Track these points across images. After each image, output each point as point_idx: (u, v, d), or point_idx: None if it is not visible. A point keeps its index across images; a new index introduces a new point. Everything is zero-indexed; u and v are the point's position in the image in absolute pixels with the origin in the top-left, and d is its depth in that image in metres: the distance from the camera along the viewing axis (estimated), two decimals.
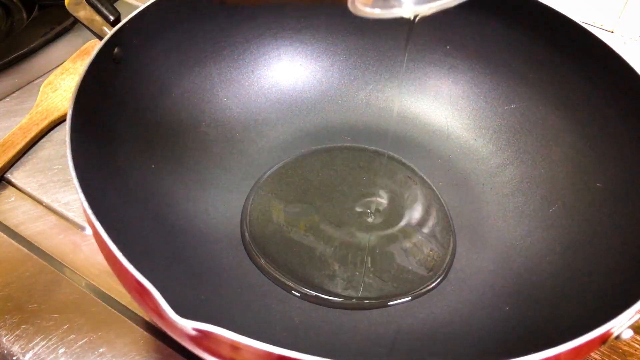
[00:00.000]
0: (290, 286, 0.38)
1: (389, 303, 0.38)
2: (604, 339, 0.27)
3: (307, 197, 0.44)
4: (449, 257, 0.41)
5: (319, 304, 0.38)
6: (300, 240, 0.41)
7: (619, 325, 0.26)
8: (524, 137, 0.45)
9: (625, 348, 0.40)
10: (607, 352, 0.39)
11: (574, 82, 0.42)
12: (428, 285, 0.39)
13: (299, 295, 0.38)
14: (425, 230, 0.42)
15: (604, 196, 0.39)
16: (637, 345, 0.40)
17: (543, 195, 0.42)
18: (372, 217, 0.43)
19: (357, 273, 0.39)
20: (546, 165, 0.43)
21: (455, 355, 0.35)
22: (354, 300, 0.38)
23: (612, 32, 0.50)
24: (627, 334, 0.27)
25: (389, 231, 0.42)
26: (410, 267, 0.40)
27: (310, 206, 0.43)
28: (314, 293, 0.38)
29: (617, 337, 0.27)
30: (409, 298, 0.38)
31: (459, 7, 0.45)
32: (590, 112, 0.41)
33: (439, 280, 0.39)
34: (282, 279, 0.39)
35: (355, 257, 0.40)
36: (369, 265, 0.40)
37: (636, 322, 0.27)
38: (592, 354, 0.39)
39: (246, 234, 0.41)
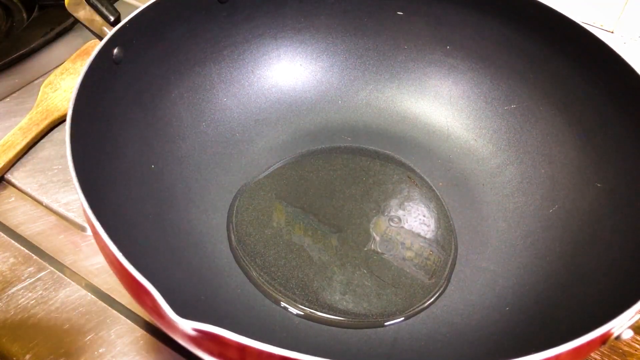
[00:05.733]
0: (280, 300, 0.38)
1: (386, 323, 0.37)
2: (604, 339, 0.27)
3: (305, 198, 0.44)
4: (450, 261, 0.41)
5: (313, 320, 0.37)
6: (296, 245, 0.41)
7: (619, 326, 0.26)
8: (524, 137, 0.45)
9: (626, 348, 0.40)
10: (607, 353, 0.39)
11: (574, 82, 0.42)
12: (429, 299, 0.39)
13: (293, 313, 0.38)
14: (426, 232, 0.42)
15: (604, 196, 0.39)
16: (637, 346, 0.40)
17: (543, 195, 0.42)
18: (372, 219, 0.43)
19: (355, 283, 0.39)
20: (546, 165, 0.43)
21: (455, 356, 0.35)
22: (350, 319, 0.37)
23: (612, 32, 0.50)
24: (627, 334, 0.27)
25: (390, 234, 0.42)
26: (411, 274, 0.40)
27: (309, 208, 0.43)
28: (309, 310, 0.37)
29: (617, 338, 0.27)
30: (405, 318, 0.38)
31: (459, 7, 0.45)
32: (590, 112, 0.41)
33: (441, 290, 0.39)
34: (272, 292, 0.38)
35: (353, 265, 0.40)
36: (368, 273, 0.40)
37: (636, 322, 0.27)
38: (592, 354, 0.39)
39: (233, 240, 0.41)
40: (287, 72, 0.49)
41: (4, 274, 0.40)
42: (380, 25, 0.49)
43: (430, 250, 0.41)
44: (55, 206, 0.44)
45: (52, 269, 0.41)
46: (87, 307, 0.39)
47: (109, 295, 0.40)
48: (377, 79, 0.50)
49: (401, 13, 0.48)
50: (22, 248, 0.42)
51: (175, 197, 0.41)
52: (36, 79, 0.55)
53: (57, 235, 0.43)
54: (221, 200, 0.43)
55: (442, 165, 0.47)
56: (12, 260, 0.41)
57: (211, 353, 0.26)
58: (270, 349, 0.23)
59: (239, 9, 0.45)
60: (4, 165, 0.46)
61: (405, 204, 0.44)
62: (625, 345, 0.40)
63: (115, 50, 0.37)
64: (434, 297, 0.39)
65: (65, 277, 0.40)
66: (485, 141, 0.47)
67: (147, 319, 0.38)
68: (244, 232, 0.41)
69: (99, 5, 0.47)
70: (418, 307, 0.38)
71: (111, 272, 0.30)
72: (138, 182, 0.38)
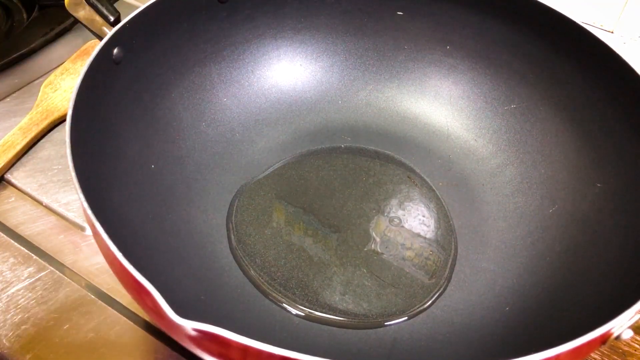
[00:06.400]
0: (280, 300, 0.38)
1: (386, 323, 0.37)
2: (604, 339, 0.27)
3: (305, 198, 0.44)
4: (450, 261, 0.41)
5: (313, 320, 0.37)
6: (296, 245, 0.41)
7: (619, 326, 0.26)
8: (524, 137, 0.45)
9: (625, 348, 0.40)
10: (607, 352, 0.39)
11: (574, 82, 0.42)
12: (430, 299, 0.39)
13: (293, 313, 0.38)
14: (426, 232, 0.42)
15: (604, 196, 0.39)
16: (637, 346, 0.40)
17: (543, 195, 0.42)
18: (372, 219, 0.43)
19: (355, 283, 0.39)
20: (546, 165, 0.43)
21: (455, 356, 0.35)
22: (350, 319, 0.37)
23: (612, 32, 0.50)
24: (627, 334, 0.27)
25: (390, 234, 0.42)
26: (411, 274, 0.40)
27: (309, 207, 0.43)
28: (308, 310, 0.37)
29: (617, 338, 0.27)
30: (406, 318, 0.38)
31: (459, 7, 0.45)
32: (590, 112, 0.41)
33: (441, 290, 0.39)
34: (272, 292, 0.38)
35: (354, 265, 0.40)
36: (368, 273, 0.40)
37: (636, 322, 0.27)
38: (592, 354, 0.39)
39: (233, 240, 0.41)
40: (287, 72, 0.49)
41: (4, 274, 0.40)
42: (380, 25, 0.49)
43: (430, 250, 0.41)
44: (55, 206, 0.44)
45: (52, 269, 0.41)
46: (87, 307, 0.39)
47: (109, 295, 0.40)
48: (377, 79, 0.50)
49: (401, 13, 0.48)
50: (22, 248, 0.42)
51: (175, 197, 0.41)
52: (36, 79, 0.55)
53: (57, 235, 0.43)
54: (221, 200, 0.43)
55: (442, 165, 0.47)
56: (12, 260, 0.41)
57: (211, 353, 0.26)
58: (271, 349, 0.23)
59: (239, 9, 0.45)
60: (4, 165, 0.46)
61: (405, 204, 0.44)
62: (625, 345, 0.40)
63: (115, 50, 0.37)
64: (434, 297, 0.39)
65: (65, 277, 0.40)
66: (485, 141, 0.47)
67: (147, 319, 0.38)
68: (243, 232, 0.41)
69: (99, 5, 0.47)
70: (418, 307, 0.38)
71: (111, 272, 0.30)
72: (138, 182, 0.38)
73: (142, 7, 0.38)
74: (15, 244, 0.42)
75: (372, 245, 0.41)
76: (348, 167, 0.46)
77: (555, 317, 0.35)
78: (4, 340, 0.37)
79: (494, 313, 0.37)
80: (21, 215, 0.44)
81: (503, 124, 0.46)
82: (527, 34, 0.43)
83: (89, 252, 0.42)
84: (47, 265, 0.41)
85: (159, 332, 0.38)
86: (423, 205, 0.44)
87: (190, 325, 0.23)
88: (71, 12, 0.44)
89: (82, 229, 0.44)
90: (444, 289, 0.39)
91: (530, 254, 0.40)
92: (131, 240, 0.34)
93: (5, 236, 0.42)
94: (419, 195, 0.45)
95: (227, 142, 0.46)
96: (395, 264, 0.40)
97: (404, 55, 0.49)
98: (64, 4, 0.44)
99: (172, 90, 0.43)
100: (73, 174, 0.29)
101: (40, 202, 0.45)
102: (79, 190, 0.28)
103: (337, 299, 0.38)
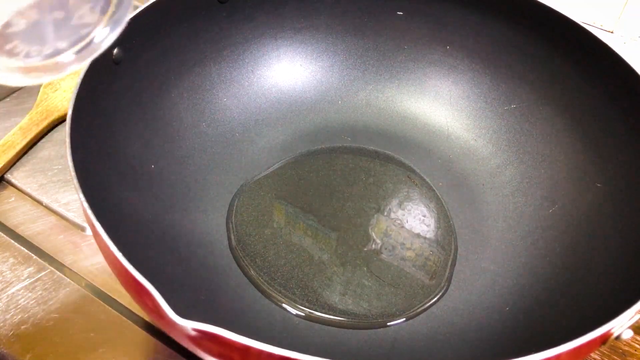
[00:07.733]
0: (280, 301, 0.38)
1: (389, 323, 0.37)
2: (604, 339, 0.27)
3: (305, 198, 0.44)
4: (450, 262, 0.41)
5: (313, 321, 0.37)
6: (296, 245, 0.41)
7: (619, 326, 0.26)
8: (524, 138, 0.45)
9: (625, 348, 0.40)
10: (607, 352, 0.39)
11: (574, 82, 0.42)
12: (430, 300, 0.39)
13: (293, 313, 0.38)
14: (426, 232, 0.42)
15: (604, 196, 0.39)
16: (637, 346, 0.40)
17: (543, 195, 0.42)
18: (372, 219, 0.43)
19: (355, 283, 0.39)
20: (546, 165, 0.43)
21: (455, 356, 0.35)
22: (350, 319, 0.37)
23: (612, 32, 0.50)
24: (627, 334, 0.27)
25: (390, 234, 0.42)
26: (411, 274, 0.40)
27: (309, 207, 0.43)
28: (308, 310, 0.37)
29: (617, 338, 0.27)
30: (406, 318, 0.38)
31: (459, 7, 0.45)
32: (590, 112, 0.41)
33: (442, 292, 0.39)
34: (272, 293, 0.38)
35: (354, 265, 0.40)
36: (368, 273, 0.40)
37: (636, 322, 0.27)
38: (592, 354, 0.39)
39: (232, 240, 0.41)
40: (287, 72, 0.49)
41: (4, 274, 0.40)
42: (380, 25, 0.49)
43: (431, 251, 0.41)
44: (55, 206, 0.44)
45: (52, 269, 0.41)
46: (87, 307, 0.39)
47: (109, 295, 0.40)
48: (377, 79, 0.50)
49: (401, 13, 0.48)
50: (22, 248, 0.42)
51: (175, 197, 0.41)
52: None
53: (57, 235, 0.43)
54: (221, 200, 0.43)
55: (442, 165, 0.47)
56: (12, 260, 0.41)
57: (211, 353, 0.26)
58: (271, 349, 0.23)
59: (239, 9, 0.45)
60: (4, 165, 0.46)
61: (405, 204, 0.44)
62: (625, 345, 0.40)
63: (115, 50, 0.37)
64: (435, 298, 0.39)
65: (65, 277, 0.40)
66: (485, 141, 0.47)
67: (147, 319, 0.38)
68: (243, 232, 0.41)
69: None
70: (418, 308, 0.38)
71: (111, 272, 0.30)
72: (138, 182, 0.38)
73: (142, 7, 0.38)
74: (15, 244, 0.42)
75: (372, 245, 0.41)
76: (348, 167, 0.46)
77: (555, 317, 0.35)
78: (4, 340, 0.37)
79: (494, 313, 0.37)
80: (21, 215, 0.44)
81: (503, 124, 0.46)
82: (527, 34, 0.43)
83: (89, 252, 0.42)
84: (47, 265, 0.41)
85: (159, 332, 0.38)
86: (423, 205, 0.44)
87: (190, 325, 0.23)
88: None
89: (82, 229, 0.44)
90: (445, 291, 0.39)
91: (530, 254, 0.40)
92: (131, 240, 0.34)
93: (5, 236, 0.42)
94: (419, 195, 0.45)
95: (227, 142, 0.46)
96: (395, 264, 0.40)
97: (404, 55, 0.49)
98: None
99: (172, 90, 0.43)
100: (73, 174, 0.29)
101: (40, 202, 0.45)
102: (79, 190, 0.28)
103: (337, 299, 0.38)
